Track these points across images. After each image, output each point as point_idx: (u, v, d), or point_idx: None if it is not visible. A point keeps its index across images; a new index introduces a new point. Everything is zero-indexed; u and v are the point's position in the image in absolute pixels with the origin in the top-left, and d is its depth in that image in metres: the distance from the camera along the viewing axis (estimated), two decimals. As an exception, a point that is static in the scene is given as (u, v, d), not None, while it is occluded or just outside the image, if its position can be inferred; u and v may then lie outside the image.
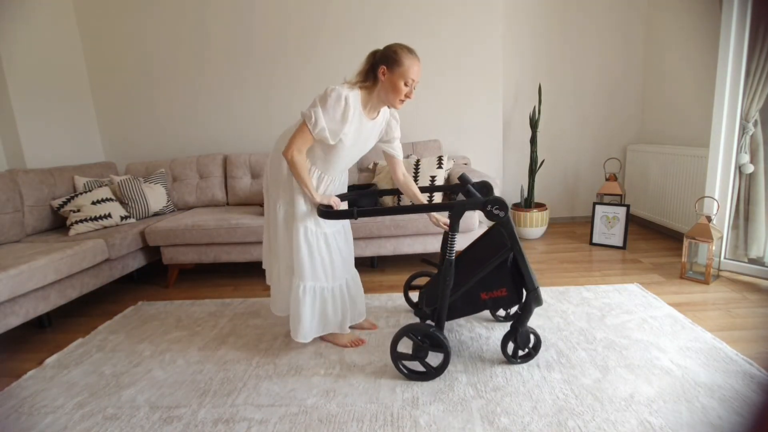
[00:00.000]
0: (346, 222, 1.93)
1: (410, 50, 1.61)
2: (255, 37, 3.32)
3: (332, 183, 1.80)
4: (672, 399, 1.41)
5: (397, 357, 1.61)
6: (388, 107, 1.74)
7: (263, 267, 1.96)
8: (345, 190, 1.93)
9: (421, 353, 1.58)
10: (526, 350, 1.66)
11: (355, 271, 1.95)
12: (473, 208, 1.55)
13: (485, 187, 1.79)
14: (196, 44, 3.35)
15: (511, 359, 1.66)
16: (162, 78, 3.41)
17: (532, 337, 1.65)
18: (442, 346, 1.56)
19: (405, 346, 1.64)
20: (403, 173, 1.93)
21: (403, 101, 1.65)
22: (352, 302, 1.88)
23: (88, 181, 2.87)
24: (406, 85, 1.60)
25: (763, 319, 1.92)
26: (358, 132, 1.68)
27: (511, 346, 1.66)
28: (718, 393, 1.43)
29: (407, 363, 1.63)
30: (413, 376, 1.60)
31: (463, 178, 1.70)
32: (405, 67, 1.58)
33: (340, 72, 3.33)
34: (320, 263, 1.74)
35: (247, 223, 2.60)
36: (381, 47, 1.65)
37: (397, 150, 1.88)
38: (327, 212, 1.62)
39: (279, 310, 1.90)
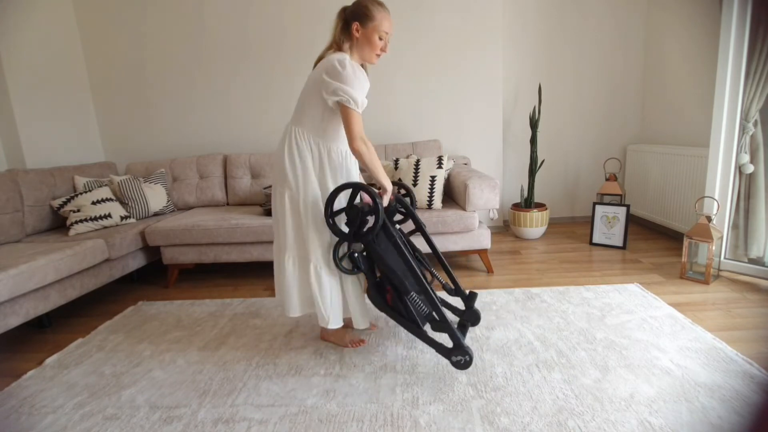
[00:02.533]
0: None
1: (379, 3, 1.60)
2: (255, 37, 3.32)
3: (352, 157, 1.72)
4: (672, 399, 1.41)
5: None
6: (362, 63, 1.69)
7: (275, 282, 1.83)
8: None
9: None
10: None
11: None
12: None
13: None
14: (196, 44, 3.35)
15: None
16: (162, 78, 3.41)
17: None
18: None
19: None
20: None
21: (379, 55, 1.64)
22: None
23: (88, 181, 2.87)
24: (380, 39, 1.60)
25: (763, 319, 1.92)
26: (366, 80, 1.66)
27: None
28: (718, 393, 1.43)
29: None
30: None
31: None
32: (377, 21, 1.57)
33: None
34: (330, 240, 1.68)
35: (247, 223, 2.60)
36: (348, 4, 1.63)
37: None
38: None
39: (291, 309, 1.75)
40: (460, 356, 1.54)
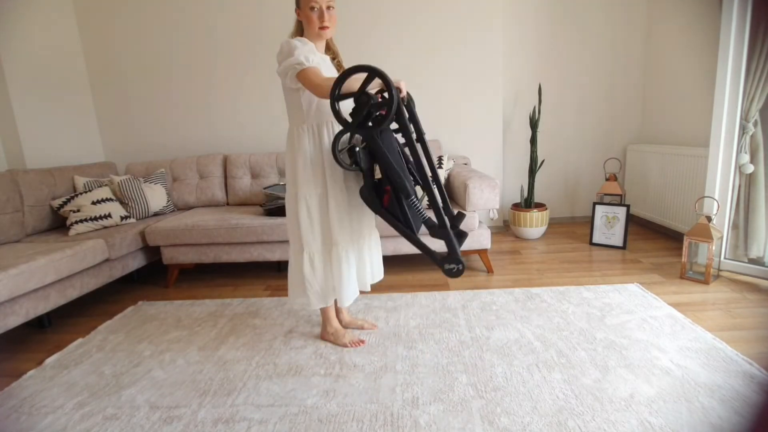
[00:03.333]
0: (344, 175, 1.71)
1: None
2: (255, 37, 3.32)
3: (332, 132, 1.68)
4: (672, 399, 1.41)
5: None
6: (317, 42, 1.66)
7: (289, 283, 1.83)
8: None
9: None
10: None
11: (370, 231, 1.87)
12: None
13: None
14: (196, 44, 3.35)
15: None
16: (162, 78, 3.41)
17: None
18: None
19: None
20: None
21: (323, 29, 1.59)
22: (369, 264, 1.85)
23: (88, 181, 2.87)
24: (312, 10, 1.57)
25: (763, 319, 1.92)
26: (329, 70, 1.66)
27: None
28: (718, 393, 1.43)
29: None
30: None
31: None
32: None
33: (339, 71, 3.35)
34: (338, 222, 1.67)
35: (247, 223, 2.60)
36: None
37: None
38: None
39: (318, 301, 1.77)
40: (453, 264, 1.50)
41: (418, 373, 1.64)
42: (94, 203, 2.68)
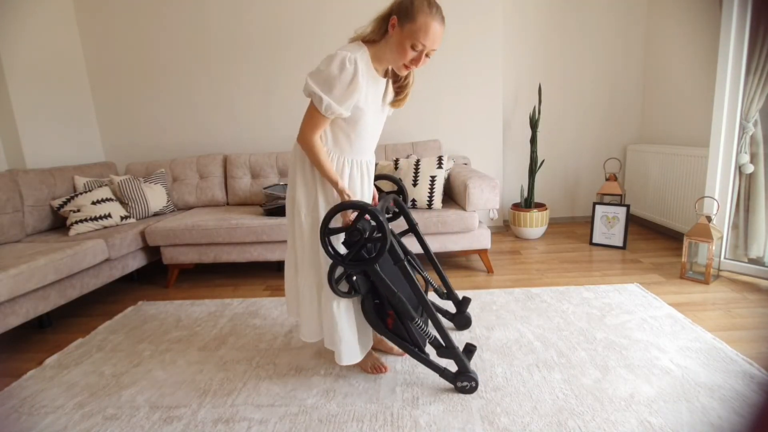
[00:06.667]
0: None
1: (432, 4, 1.27)
2: (255, 37, 3.32)
3: (357, 169, 1.50)
4: (672, 399, 1.41)
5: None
6: (380, 66, 1.44)
7: (286, 295, 1.68)
8: (371, 183, 1.62)
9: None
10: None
11: None
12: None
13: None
14: (196, 44, 3.35)
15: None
16: (162, 78, 3.41)
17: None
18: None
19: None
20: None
21: (407, 67, 1.35)
22: None
23: (88, 181, 2.87)
24: (413, 48, 1.29)
25: (763, 319, 1.92)
26: (376, 96, 1.43)
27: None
28: (718, 393, 1.43)
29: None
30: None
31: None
32: (417, 24, 1.25)
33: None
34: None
35: (247, 223, 2.60)
36: None
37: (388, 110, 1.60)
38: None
39: (308, 335, 1.60)
40: (466, 382, 1.50)
41: (418, 373, 1.64)
42: (94, 203, 2.68)
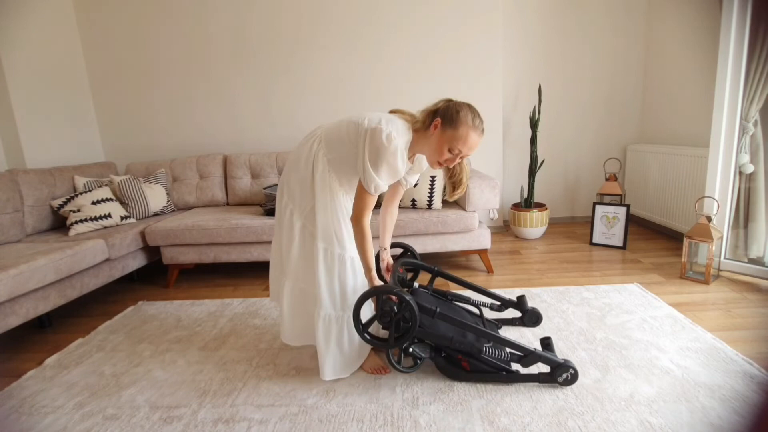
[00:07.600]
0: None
1: (476, 117, 1.42)
2: (255, 37, 3.32)
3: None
4: (672, 399, 1.41)
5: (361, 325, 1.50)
6: (417, 152, 1.57)
7: (270, 281, 1.76)
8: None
9: (385, 318, 1.47)
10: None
11: None
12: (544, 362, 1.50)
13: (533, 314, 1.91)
14: (196, 44, 3.35)
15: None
16: (162, 78, 3.41)
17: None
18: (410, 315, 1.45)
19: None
20: (396, 205, 1.76)
21: (440, 165, 1.48)
22: None
23: (88, 181, 2.87)
24: (450, 151, 1.42)
25: (763, 319, 1.92)
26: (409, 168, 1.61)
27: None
28: (718, 393, 1.43)
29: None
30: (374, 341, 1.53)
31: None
32: (459, 133, 1.40)
33: (339, 72, 3.37)
34: (339, 289, 1.54)
35: (247, 223, 2.60)
36: (458, 99, 1.50)
37: (411, 179, 1.71)
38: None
39: (289, 338, 1.67)
40: (564, 374, 1.49)
41: (418, 373, 1.64)
42: (94, 203, 2.68)
